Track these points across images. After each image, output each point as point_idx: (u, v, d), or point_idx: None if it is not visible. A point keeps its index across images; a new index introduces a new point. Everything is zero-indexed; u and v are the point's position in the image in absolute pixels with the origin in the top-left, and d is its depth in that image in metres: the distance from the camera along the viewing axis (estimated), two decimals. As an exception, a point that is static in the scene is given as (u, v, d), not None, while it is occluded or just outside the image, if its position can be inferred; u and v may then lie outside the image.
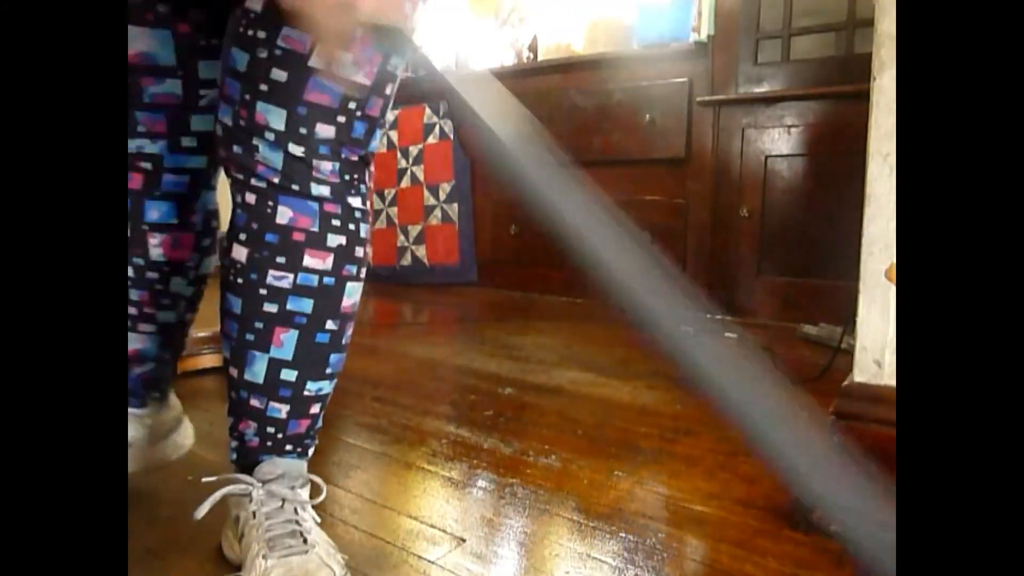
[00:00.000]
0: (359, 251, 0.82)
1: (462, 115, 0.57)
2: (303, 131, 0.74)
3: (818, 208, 2.36)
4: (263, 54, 0.72)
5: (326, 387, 0.84)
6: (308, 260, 0.77)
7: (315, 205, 0.76)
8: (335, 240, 0.78)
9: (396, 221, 3.48)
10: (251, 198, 0.76)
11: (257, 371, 0.79)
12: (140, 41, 0.83)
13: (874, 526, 0.47)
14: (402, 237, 3.45)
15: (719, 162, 2.57)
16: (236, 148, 0.75)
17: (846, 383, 0.94)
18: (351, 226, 0.80)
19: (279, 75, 0.72)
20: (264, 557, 0.75)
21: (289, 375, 0.80)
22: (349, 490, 1.04)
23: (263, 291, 0.77)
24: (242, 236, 0.77)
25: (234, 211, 0.79)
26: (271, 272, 0.77)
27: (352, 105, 0.75)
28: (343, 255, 0.79)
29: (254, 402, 0.81)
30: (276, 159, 0.74)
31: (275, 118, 0.73)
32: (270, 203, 0.76)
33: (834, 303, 2.28)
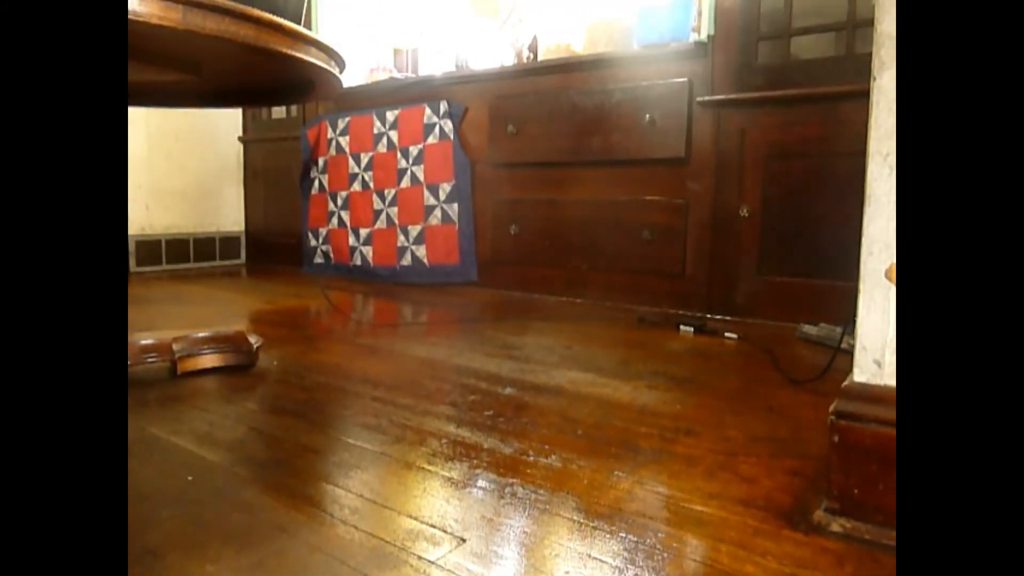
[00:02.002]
0: None
1: None
2: None
3: (818, 208, 2.37)
4: None
5: None
6: None
7: None
8: None
9: (396, 221, 3.47)
10: None
11: None
12: None
13: None
14: (402, 237, 3.45)
15: (719, 162, 2.57)
16: None
17: (846, 383, 0.94)
18: None
19: None
20: None
21: None
22: (349, 490, 1.04)
23: None
24: None
25: None
26: None
27: None
28: None
29: None
30: None
31: None
32: None
33: (834, 303, 2.29)
